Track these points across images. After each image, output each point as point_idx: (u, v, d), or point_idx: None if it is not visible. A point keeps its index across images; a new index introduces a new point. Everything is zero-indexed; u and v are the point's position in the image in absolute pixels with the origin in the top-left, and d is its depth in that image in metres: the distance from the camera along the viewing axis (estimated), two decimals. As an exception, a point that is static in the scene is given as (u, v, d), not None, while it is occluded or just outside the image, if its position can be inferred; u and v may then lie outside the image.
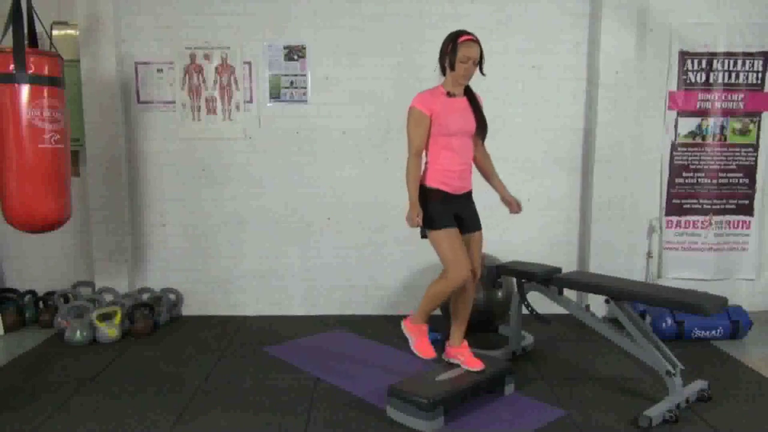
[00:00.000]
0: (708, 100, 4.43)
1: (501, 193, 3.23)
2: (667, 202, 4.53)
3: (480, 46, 2.89)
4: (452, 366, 3.10)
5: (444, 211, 2.93)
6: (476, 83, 4.25)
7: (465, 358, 3.10)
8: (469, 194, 3.08)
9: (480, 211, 3.14)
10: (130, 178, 4.42)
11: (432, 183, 2.95)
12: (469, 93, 3.03)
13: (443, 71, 2.96)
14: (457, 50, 2.84)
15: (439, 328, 4.03)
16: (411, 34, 4.29)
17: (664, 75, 4.42)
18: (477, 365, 3.05)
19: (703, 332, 3.92)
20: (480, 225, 3.11)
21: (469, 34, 2.87)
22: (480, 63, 2.93)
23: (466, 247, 3.02)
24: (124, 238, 4.37)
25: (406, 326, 3.19)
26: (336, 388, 3.19)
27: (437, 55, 2.96)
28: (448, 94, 2.95)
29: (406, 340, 3.93)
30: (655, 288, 3.26)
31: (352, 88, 4.35)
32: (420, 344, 3.11)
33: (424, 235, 3.03)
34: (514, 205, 3.22)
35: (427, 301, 3.04)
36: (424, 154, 2.99)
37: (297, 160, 4.43)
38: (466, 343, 3.16)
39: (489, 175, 3.22)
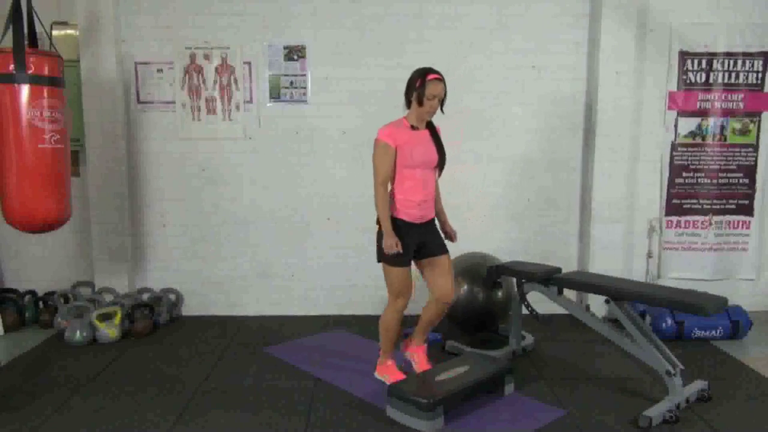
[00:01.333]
0: (708, 100, 4.42)
1: (443, 224, 3.30)
2: (667, 202, 4.52)
3: (445, 85, 2.99)
4: (452, 366, 3.10)
5: (406, 247, 3.01)
6: (477, 83, 4.26)
7: (420, 362, 3.26)
8: (431, 222, 3.17)
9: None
10: (130, 178, 4.42)
11: (395, 213, 3.04)
12: (430, 126, 3.13)
13: (408, 105, 3.06)
14: (425, 87, 2.94)
15: (438, 328, 4.03)
16: (411, 35, 4.28)
17: (664, 75, 4.42)
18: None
19: (703, 332, 3.92)
20: (446, 249, 3.17)
21: (436, 72, 2.97)
22: (442, 101, 3.03)
23: (432, 270, 3.13)
24: (124, 238, 4.37)
25: (378, 374, 3.28)
26: (336, 388, 3.19)
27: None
28: (412, 128, 3.05)
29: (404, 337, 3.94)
30: (655, 288, 3.26)
31: (352, 88, 4.35)
32: (394, 378, 3.16)
33: (379, 260, 3.09)
34: (452, 236, 3.31)
35: (383, 335, 3.18)
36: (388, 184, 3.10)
37: (297, 160, 4.43)
38: (425, 347, 3.32)
39: (436, 205, 3.27)
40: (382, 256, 3.03)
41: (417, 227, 3.07)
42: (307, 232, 4.49)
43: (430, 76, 2.94)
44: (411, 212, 3.04)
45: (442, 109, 3.07)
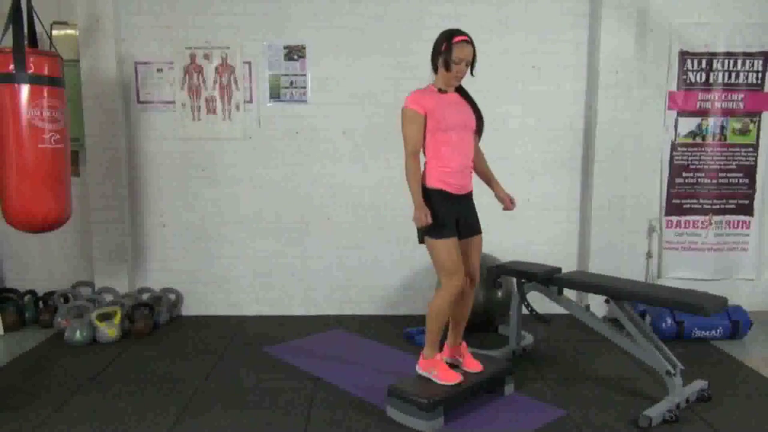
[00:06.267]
0: (708, 100, 4.43)
1: (495, 190, 3.13)
2: (667, 202, 4.53)
3: (473, 47, 2.82)
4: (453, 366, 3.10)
5: (446, 217, 2.83)
6: (477, 82, 4.25)
7: (464, 359, 3.06)
8: (469, 195, 2.98)
9: (479, 212, 3.13)
10: (130, 178, 4.42)
11: (432, 183, 2.85)
12: (460, 89, 2.96)
13: (435, 70, 2.89)
14: (451, 50, 2.78)
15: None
16: (411, 35, 4.28)
17: (664, 75, 4.42)
18: (476, 367, 3.01)
19: (703, 332, 3.92)
20: (480, 228, 3.03)
21: (463, 34, 2.80)
22: (472, 64, 2.87)
23: (466, 251, 2.95)
24: (124, 238, 4.37)
25: (421, 367, 2.98)
26: (336, 388, 3.19)
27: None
28: (440, 91, 2.88)
29: (406, 340, 3.95)
30: (655, 288, 3.26)
31: (352, 88, 4.35)
32: (443, 374, 2.89)
33: (422, 240, 2.92)
34: (507, 202, 3.11)
35: (431, 322, 2.91)
36: (422, 154, 2.92)
37: (297, 160, 4.42)
38: (465, 344, 3.10)
39: (483, 171, 3.13)
40: (427, 233, 2.83)
41: (456, 199, 2.87)
42: (306, 232, 4.49)
43: (457, 38, 2.76)
44: (449, 182, 2.82)
45: (472, 72, 2.89)
